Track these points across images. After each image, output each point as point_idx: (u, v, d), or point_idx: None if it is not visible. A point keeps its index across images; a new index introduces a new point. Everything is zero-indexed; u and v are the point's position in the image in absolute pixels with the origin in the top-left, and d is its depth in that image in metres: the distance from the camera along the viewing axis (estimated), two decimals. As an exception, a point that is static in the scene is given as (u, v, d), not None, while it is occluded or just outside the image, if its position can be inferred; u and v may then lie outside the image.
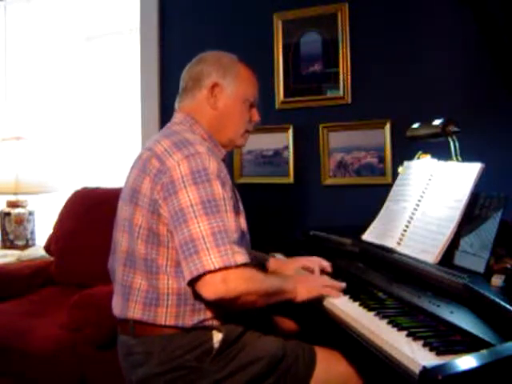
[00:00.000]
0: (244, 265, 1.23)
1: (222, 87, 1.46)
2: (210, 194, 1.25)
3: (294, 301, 1.39)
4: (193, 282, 1.23)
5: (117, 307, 1.40)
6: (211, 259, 1.19)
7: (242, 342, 1.35)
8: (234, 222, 1.29)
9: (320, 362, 1.39)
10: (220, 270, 1.20)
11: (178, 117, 1.48)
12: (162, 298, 1.30)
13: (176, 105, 1.52)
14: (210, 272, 1.19)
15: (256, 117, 1.54)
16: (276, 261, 1.79)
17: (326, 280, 1.49)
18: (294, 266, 1.70)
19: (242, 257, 1.23)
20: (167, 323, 1.30)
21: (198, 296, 1.28)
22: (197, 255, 1.20)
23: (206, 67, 1.48)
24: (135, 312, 1.32)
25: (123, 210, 1.42)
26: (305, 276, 1.59)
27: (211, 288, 1.21)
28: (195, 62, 1.52)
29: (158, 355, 1.30)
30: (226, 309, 1.31)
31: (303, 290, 1.39)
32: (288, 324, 1.71)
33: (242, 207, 1.46)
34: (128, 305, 1.34)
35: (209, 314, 1.31)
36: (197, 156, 1.29)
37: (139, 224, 1.33)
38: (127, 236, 1.38)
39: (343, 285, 1.46)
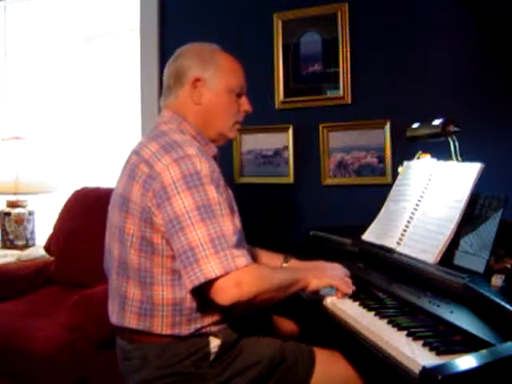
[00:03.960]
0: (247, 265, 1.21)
1: (203, 81, 1.40)
2: (205, 199, 1.21)
3: (306, 289, 1.38)
4: (202, 289, 1.20)
5: (113, 316, 1.38)
6: (211, 266, 1.16)
7: (240, 345, 1.34)
8: (232, 225, 1.24)
9: (319, 363, 1.39)
10: (229, 273, 1.17)
11: (165, 115, 1.42)
12: (156, 308, 1.28)
13: (161, 103, 1.48)
14: (221, 277, 1.16)
15: (245, 106, 1.47)
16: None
17: (347, 272, 1.47)
18: None
19: (242, 259, 1.20)
20: (163, 332, 1.28)
21: (194, 305, 1.27)
22: (196, 263, 1.17)
23: (185, 62, 1.42)
24: (131, 322, 1.31)
25: (114, 216, 1.37)
26: (325, 266, 1.50)
27: (225, 294, 1.18)
28: (174, 57, 1.46)
29: (155, 361, 1.28)
30: (223, 314, 1.29)
31: (313, 279, 1.38)
32: (288, 325, 1.70)
33: (235, 206, 1.40)
34: (124, 314, 1.32)
35: (206, 322, 1.29)
36: (187, 159, 1.23)
37: (131, 233, 1.29)
38: (119, 245, 1.34)
39: (354, 288, 1.44)
